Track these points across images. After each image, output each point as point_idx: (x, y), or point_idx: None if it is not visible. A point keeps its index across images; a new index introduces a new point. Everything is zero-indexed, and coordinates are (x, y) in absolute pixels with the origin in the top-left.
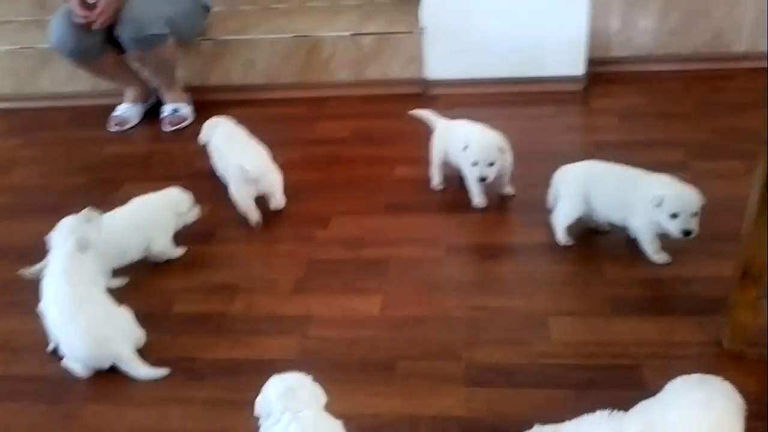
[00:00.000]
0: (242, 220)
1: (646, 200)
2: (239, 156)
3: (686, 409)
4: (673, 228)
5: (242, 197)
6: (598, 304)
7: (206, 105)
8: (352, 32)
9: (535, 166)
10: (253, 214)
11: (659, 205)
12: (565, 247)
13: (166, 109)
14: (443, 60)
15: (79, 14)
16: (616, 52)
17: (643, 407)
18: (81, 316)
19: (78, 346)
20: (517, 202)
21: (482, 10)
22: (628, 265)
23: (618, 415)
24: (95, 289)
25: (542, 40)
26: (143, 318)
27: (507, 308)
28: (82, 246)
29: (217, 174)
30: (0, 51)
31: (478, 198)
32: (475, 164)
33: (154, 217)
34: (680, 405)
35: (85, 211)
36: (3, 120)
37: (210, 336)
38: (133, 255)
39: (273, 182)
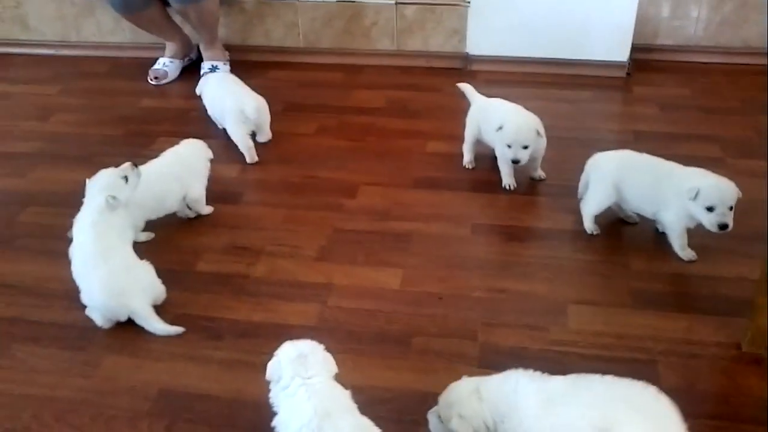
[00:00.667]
0: (272, 184)
1: (679, 193)
2: (235, 99)
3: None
4: (709, 221)
5: (241, 136)
6: (620, 296)
7: (245, 64)
8: (396, 1)
9: (568, 151)
10: (252, 152)
11: (695, 197)
12: (591, 236)
13: (205, 66)
14: (486, 36)
15: None
16: (663, 39)
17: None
18: (101, 266)
19: (96, 296)
20: (547, 186)
21: None
22: (654, 259)
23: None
24: (119, 242)
25: (588, 23)
26: (166, 274)
27: (527, 292)
28: (111, 205)
29: (214, 118)
30: None
31: (507, 179)
32: (509, 146)
33: (189, 165)
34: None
35: (124, 166)
36: (45, 66)
37: (231, 297)
38: (172, 204)
39: (265, 119)
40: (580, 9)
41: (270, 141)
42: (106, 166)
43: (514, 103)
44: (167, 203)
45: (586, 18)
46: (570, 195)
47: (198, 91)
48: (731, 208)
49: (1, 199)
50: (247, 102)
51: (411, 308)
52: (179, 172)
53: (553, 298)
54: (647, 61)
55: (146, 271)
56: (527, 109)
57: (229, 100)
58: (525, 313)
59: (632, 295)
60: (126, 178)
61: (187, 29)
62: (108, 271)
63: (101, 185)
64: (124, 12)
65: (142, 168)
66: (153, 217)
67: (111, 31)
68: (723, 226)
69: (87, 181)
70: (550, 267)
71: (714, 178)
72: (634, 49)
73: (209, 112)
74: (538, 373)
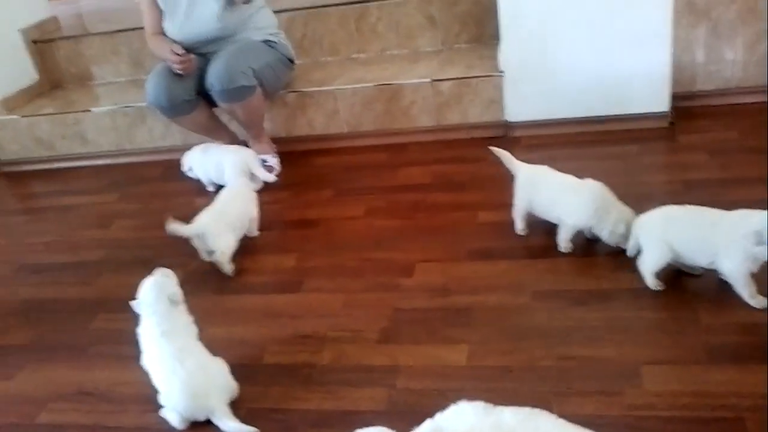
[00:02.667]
0: (329, 269)
1: (734, 240)
2: (234, 153)
3: None
4: None
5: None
6: (694, 352)
7: (291, 155)
8: (432, 78)
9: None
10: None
11: (761, 241)
12: (656, 292)
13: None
14: (523, 102)
15: (173, 60)
16: (702, 85)
17: None
18: (179, 369)
19: (177, 399)
20: (603, 245)
21: (561, 50)
22: (724, 310)
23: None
24: (189, 340)
25: (624, 77)
26: (235, 369)
27: (597, 357)
28: (174, 301)
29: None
30: (102, 111)
31: (564, 243)
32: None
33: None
34: None
35: (161, 270)
36: (103, 176)
37: (300, 387)
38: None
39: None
40: (615, 65)
41: (319, 226)
42: (168, 268)
43: (564, 175)
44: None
45: (622, 73)
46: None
47: (186, 166)
48: None
49: (73, 307)
50: (245, 153)
51: (480, 384)
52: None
53: (624, 360)
54: (689, 108)
55: (221, 369)
56: (579, 179)
57: (229, 155)
58: (597, 379)
59: (707, 350)
60: (169, 277)
61: (234, 126)
62: (187, 373)
63: (157, 291)
64: (173, 116)
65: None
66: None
67: (162, 136)
68: None
69: (135, 303)
70: (617, 329)
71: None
72: (674, 97)
73: (204, 178)
74: None
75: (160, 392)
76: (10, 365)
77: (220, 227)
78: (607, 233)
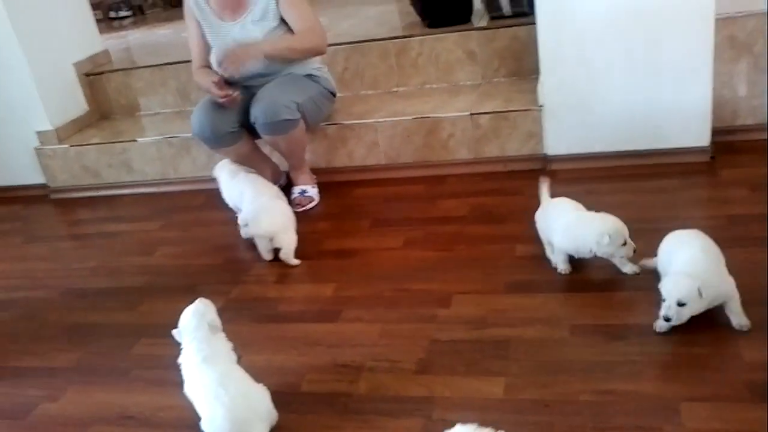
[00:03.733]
0: (366, 299)
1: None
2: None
3: None
4: None
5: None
6: (736, 389)
7: (331, 185)
8: (470, 112)
9: (659, 242)
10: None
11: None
12: (698, 329)
13: (295, 191)
14: (562, 135)
15: (219, 94)
16: (743, 120)
17: None
18: (224, 394)
19: (220, 424)
20: (643, 279)
21: (601, 84)
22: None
23: None
24: (231, 366)
25: (664, 111)
26: (272, 396)
27: (636, 392)
28: (214, 327)
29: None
30: (148, 141)
31: (563, 265)
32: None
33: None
34: None
35: (200, 299)
36: (147, 204)
37: (336, 416)
38: None
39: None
40: (654, 99)
41: (357, 256)
42: (209, 295)
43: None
44: None
45: (661, 107)
46: None
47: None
48: None
49: (116, 331)
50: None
51: (518, 417)
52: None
53: (663, 396)
54: (730, 142)
55: (264, 396)
56: (615, 205)
57: (248, 189)
58: (635, 414)
59: (749, 387)
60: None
61: (276, 157)
62: (231, 398)
63: (198, 318)
64: (217, 147)
65: None
66: None
67: (205, 166)
68: None
69: (176, 331)
70: (656, 364)
71: None
72: (715, 131)
73: (227, 198)
74: None
75: (201, 418)
76: (56, 387)
77: (286, 225)
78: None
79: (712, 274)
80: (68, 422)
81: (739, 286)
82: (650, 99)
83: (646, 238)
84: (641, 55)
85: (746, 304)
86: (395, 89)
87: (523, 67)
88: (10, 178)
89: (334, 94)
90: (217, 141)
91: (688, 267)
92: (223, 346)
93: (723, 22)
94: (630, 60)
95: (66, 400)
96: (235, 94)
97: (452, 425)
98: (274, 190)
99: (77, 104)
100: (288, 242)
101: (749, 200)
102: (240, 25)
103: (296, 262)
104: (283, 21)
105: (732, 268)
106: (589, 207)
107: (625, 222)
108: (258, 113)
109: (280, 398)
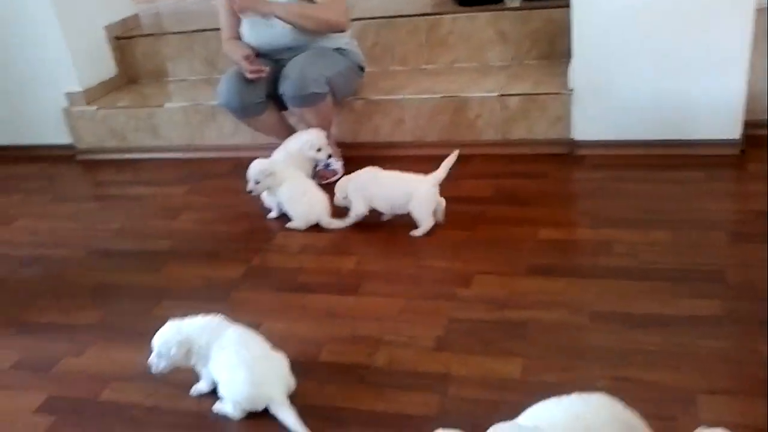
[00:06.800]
0: (387, 274)
1: None
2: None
3: None
4: None
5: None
6: (754, 384)
7: (356, 160)
8: (499, 93)
9: (686, 235)
10: None
11: None
12: (717, 322)
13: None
14: (591, 121)
15: (249, 69)
16: None
17: None
18: (247, 354)
19: (240, 385)
20: (666, 270)
21: (633, 71)
22: None
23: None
24: (253, 333)
25: (696, 102)
26: (291, 364)
27: (652, 381)
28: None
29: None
30: (176, 107)
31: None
32: None
33: None
34: None
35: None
36: (174, 169)
37: (354, 387)
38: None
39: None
40: (688, 89)
41: (379, 231)
42: (231, 262)
43: None
44: None
45: (694, 98)
46: (689, 279)
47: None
48: None
49: (138, 293)
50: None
51: (534, 399)
52: None
53: (680, 387)
54: (762, 136)
55: (282, 361)
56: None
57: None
58: (652, 402)
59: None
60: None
61: (302, 129)
62: (253, 359)
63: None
64: (243, 118)
65: None
66: None
67: (231, 134)
68: None
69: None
70: (675, 354)
71: None
72: (746, 125)
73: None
74: None
75: (220, 382)
76: (79, 343)
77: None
78: None
79: None
80: (90, 376)
81: (759, 282)
82: (682, 89)
83: (665, 229)
84: (676, 44)
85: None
86: (424, 66)
87: (555, 50)
88: (38, 137)
89: (362, 69)
90: (243, 112)
91: None
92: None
93: (762, 12)
94: (665, 48)
95: (88, 355)
96: (265, 69)
97: (468, 403)
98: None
99: (106, 67)
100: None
101: None
102: None
103: (337, 223)
104: None
105: (755, 264)
106: (612, 194)
107: (646, 212)
108: (287, 86)
109: (298, 366)
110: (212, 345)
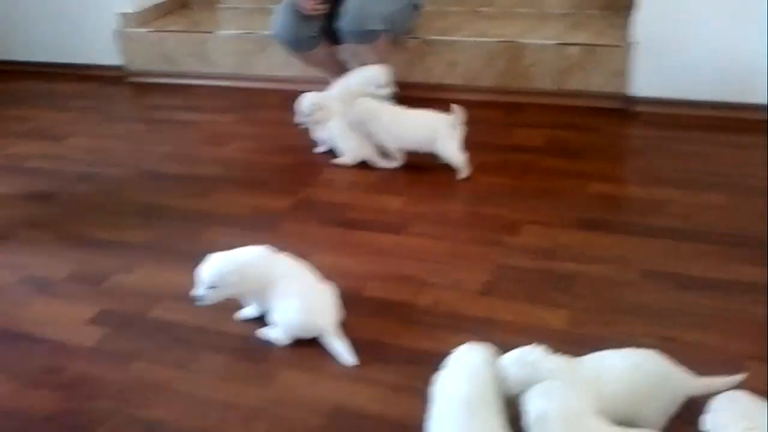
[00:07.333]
0: (434, 217)
1: None
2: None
3: None
4: None
5: None
6: None
7: (405, 100)
8: (557, 41)
9: (741, 200)
10: None
11: None
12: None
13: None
14: (652, 77)
15: (308, 6)
16: None
17: None
18: (302, 281)
19: (293, 312)
20: (720, 234)
21: (701, 26)
22: None
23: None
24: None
25: (761, 66)
26: (339, 298)
27: (699, 343)
28: None
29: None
30: (227, 34)
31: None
32: None
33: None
34: None
35: None
36: (223, 97)
37: (398, 323)
38: None
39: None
40: (754, 50)
41: (428, 173)
42: (279, 193)
43: None
44: None
45: (759, 61)
46: (743, 245)
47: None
48: None
49: (187, 216)
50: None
51: (577, 350)
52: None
53: (726, 350)
54: None
55: (332, 292)
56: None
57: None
58: (697, 363)
59: None
60: None
61: (354, 66)
62: (307, 285)
63: None
64: (296, 51)
65: None
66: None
67: (281, 66)
68: None
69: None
70: (723, 318)
71: None
72: None
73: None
74: None
75: (272, 310)
76: (130, 260)
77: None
78: None
79: None
80: (140, 293)
81: None
82: (753, 49)
83: (720, 192)
84: (747, 1)
85: None
86: (480, 9)
87: (618, 0)
88: (89, 57)
89: (419, 8)
90: (297, 45)
91: None
92: None
93: None
94: (734, 5)
95: (138, 273)
96: (324, 6)
97: (512, 349)
98: None
99: None
100: None
101: None
102: None
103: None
104: None
105: None
106: (666, 153)
107: (701, 174)
108: (345, 22)
109: (342, 300)
110: (265, 275)
